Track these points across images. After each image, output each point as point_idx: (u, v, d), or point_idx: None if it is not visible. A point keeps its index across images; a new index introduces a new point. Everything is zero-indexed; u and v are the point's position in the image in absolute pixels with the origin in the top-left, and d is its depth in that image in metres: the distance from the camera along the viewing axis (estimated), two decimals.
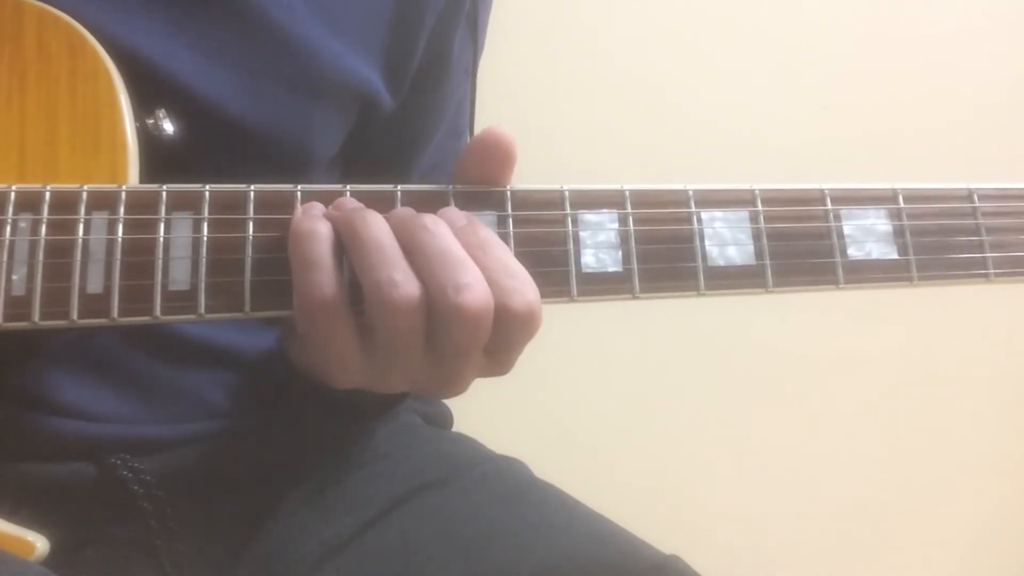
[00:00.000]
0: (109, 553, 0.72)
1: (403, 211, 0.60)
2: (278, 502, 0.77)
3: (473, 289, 0.56)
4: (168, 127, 0.65)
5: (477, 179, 0.62)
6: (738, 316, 1.54)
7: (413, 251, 0.57)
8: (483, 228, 0.60)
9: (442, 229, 0.58)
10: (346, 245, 0.58)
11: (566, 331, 1.42)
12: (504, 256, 0.59)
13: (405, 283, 0.56)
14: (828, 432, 1.67)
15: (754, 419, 1.63)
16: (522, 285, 0.58)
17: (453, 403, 0.94)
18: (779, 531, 1.68)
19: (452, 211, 0.61)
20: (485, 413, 0.96)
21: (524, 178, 0.63)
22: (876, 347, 1.66)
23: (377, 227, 0.58)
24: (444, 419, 0.93)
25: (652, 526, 0.80)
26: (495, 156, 0.61)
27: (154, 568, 0.73)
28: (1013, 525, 1.82)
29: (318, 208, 0.60)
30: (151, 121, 0.65)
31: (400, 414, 0.88)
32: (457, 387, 0.62)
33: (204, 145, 0.69)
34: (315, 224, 0.58)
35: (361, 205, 0.60)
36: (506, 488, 0.82)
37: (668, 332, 1.56)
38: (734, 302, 1.51)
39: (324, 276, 0.57)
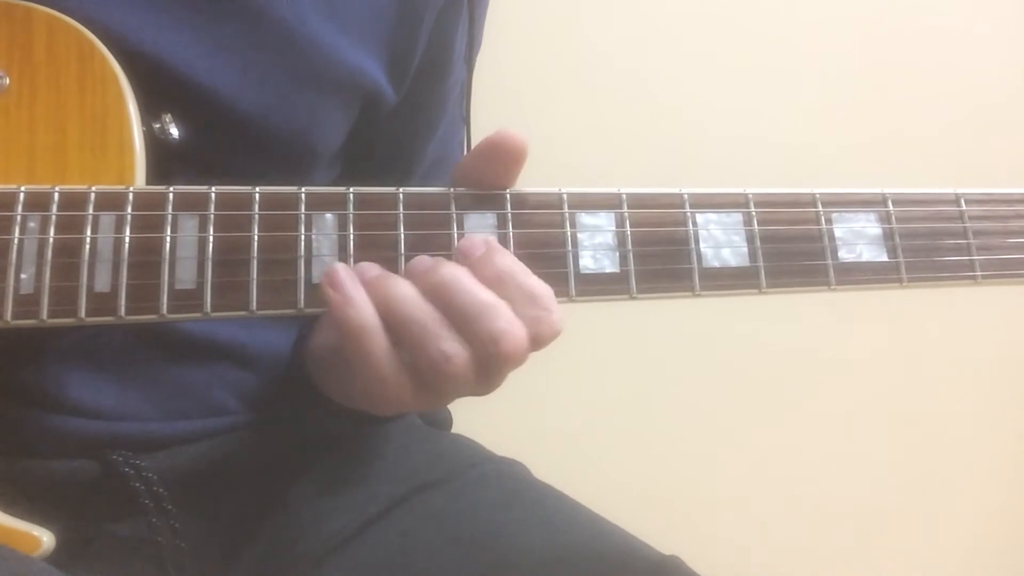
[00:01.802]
0: (111, 550, 0.73)
1: (421, 265, 0.61)
2: (278, 500, 0.78)
3: (510, 335, 0.58)
4: (174, 131, 0.67)
5: (482, 177, 0.64)
6: (738, 317, 1.54)
7: (446, 310, 0.59)
8: (500, 254, 0.61)
9: (463, 281, 0.59)
10: (390, 326, 0.59)
11: (566, 333, 1.43)
12: (525, 281, 0.60)
13: (456, 354, 0.58)
14: (828, 433, 1.68)
15: (754, 421, 1.64)
16: (547, 311, 0.60)
17: (453, 405, 0.94)
18: (779, 532, 1.68)
19: (469, 242, 0.62)
20: (484, 415, 0.97)
21: (521, 180, 0.64)
22: (877, 348, 1.67)
23: (411, 301, 0.59)
24: (443, 420, 0.94)
25: (651, 527, 0.81)
26: (504, 157, 0.63)
27: (155, 565, 0.73)
28: (1013, 526, 1.82)
29: (349, 281, 0.59)
30: (158, 125, 0.66)
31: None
32: (492, 390, 0.64)
33: (210, 140, 0.70)
34: (363, 315, 0.59)
35: (382, 272, 0.61)
36: (505, 489, 0.83)
37: (668, 334, 1.56)
38: (734, 304, 1.51)
39: (387, 368, 0.59)
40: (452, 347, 0.58)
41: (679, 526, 1.14)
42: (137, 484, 0.73)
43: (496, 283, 0.60)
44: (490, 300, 0.59)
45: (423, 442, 0.87)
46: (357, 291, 0.59)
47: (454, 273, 0.59)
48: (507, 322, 0.58)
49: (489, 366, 0.59)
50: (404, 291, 0.59)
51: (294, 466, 0.80)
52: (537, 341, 0.60)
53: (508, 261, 0.61)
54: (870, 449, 1.70)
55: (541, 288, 0.60)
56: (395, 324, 0.59)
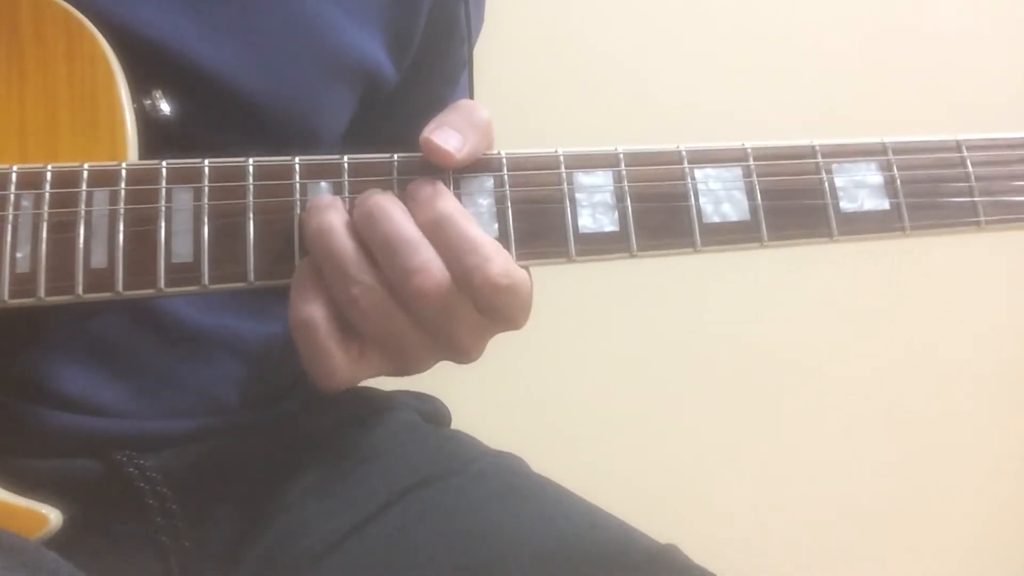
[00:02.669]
0: (114, 549, 0.71)
1: (364, 198, 0.60)
2: (280, 498, 0.77)
3: (423, 271, 0.57)
4: (165, 107, 0.66)
5: None
6: (739, 312, 1.54)
7: (369, 245, 0.58)
8: (444, 198, 0.60)
9: (389, 212, 0.58)
10: (318, 259, 0.59)
11: (562, 326, 1.43)
12: (466, 229, 0.59)
13: (365, 294, 0.57)
14: (827, 426, 1.67)
15: (753, 414, 1.63)
16: (484, 260, 0.58)
17: (451, 401, 0.94)
18: (776, 523, 1.67)
19: (417, 183, 0.61)
20: (482, 410, 0.96)
21: None
22: (877, 346, 1.66)
23: (337, 238, 0.58)
24: (442, 417, 0.93)
25: (649, 519, 0.80)
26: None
27: (159, 564, 0.72)
28: (1013, 526, 1.81)
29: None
30: (148, 102, 0.66)
31: (398, 412, 0.88)
32: (469, 354, 0.63)
33: (210, 121, 0.69)
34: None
35: (328, 202, 0.60)
36: (503, 483, 0.82)
37: (666, 328, 1.56)
38: (736, 301, 1.51)
39: (310, 303, 0.59)
40: (358, 289, 0.57)
41: (677, 518, 1.13)
42: (141, 484, 0.72)
43: (433, 226, 0.59)
44: (411, 236, 0.58)
45: (421, 439, 0.86)
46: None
47: (381, 204, 0.59)
48: (423, 261, 0.57)
49: (411, 307, 0.58)
50: (335, 224, 0.59)
51: (294, 464, 0.79)
52: (477, 294, 0.58)
53: (451, 206, 0.60)
54: (869, 445, 1.69)
55: (481, 237, 0.59)
56: (321, 266, 0.59)
